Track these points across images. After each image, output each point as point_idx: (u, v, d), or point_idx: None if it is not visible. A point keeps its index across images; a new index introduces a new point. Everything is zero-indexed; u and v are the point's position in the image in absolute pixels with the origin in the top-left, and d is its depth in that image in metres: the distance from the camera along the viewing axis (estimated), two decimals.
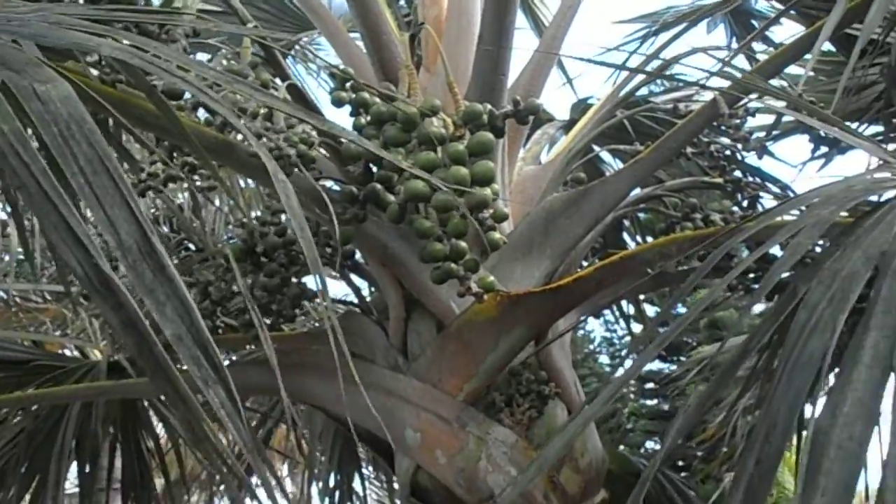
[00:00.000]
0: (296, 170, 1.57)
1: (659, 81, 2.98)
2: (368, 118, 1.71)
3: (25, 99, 0.86)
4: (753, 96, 2.04)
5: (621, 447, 12.07)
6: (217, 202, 3.12)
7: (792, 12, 3.15)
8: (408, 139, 1.57)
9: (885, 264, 0.92)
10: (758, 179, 2.46)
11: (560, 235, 2.11)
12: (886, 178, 1.15)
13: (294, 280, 2.25)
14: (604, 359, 17.61)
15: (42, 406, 2.80)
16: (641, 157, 2.09)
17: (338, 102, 1.82)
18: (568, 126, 3.37)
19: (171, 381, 0.79)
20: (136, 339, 0.78)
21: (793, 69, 2.84)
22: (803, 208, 1.12)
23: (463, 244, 1.58)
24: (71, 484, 3.44)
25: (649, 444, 14.20)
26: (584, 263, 2.55)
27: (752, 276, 2.09)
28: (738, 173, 2.34)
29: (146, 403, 3.18)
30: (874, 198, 1.20)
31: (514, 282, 2.04)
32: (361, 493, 4.04)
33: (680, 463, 8.77)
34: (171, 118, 1.20)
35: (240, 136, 1.59)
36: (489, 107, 1.74)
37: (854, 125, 3.08)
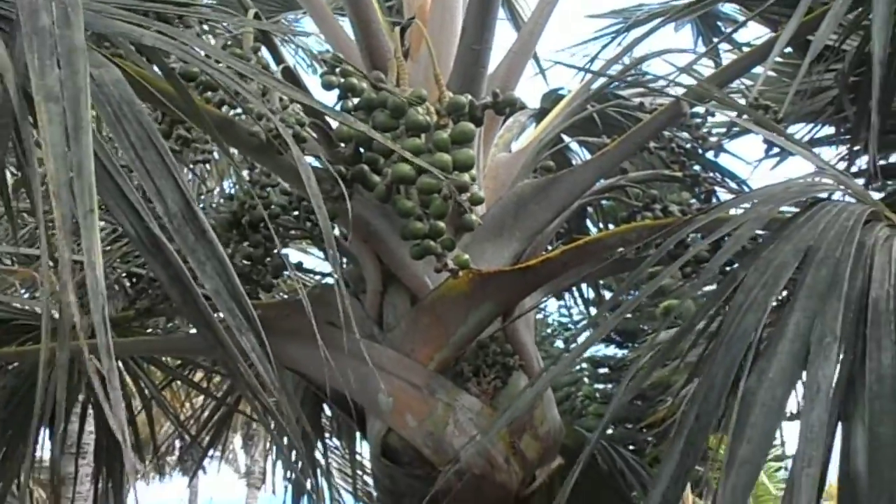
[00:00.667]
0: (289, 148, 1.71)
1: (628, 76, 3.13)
2: (357, 102, 1.84)
3: (77, 50, 0.97)
4: (713, 100, 2.20)
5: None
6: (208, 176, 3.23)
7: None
8: (396, 125, 1.71)
9: (810, 256, 1.08)
10: (715, 174, 2.63)
11: (529, 219, 2.26)
12: (819, 182, 1.31)
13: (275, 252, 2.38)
14: (559, 343, 17.89)
15: (24, 364, 2.90)
16: (608, 150, 2.25)
17: (328, 86, 1.95)
18: (539, 115, 3.51)
19: (210, 328, 0.92)
20: (182, 292, 0.91)
21: (760, 69, 3.02)
22: (748, 204, 1.28)
23: (441, 224, 1.72)
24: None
25: None
26: (549, 247, 2.72)
27: (704, 265, 2.26)
28: (697, 168, 2.50)
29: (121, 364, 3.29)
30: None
31: (485, 261, 2.19)
32: (323, 463, 4.18)
33: (631, 447, 9.02)
34: (186, 99, 1.33)
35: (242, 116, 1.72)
36: (470, 97, 1.89)
37: (809, 126, 3.27)
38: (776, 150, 2.35)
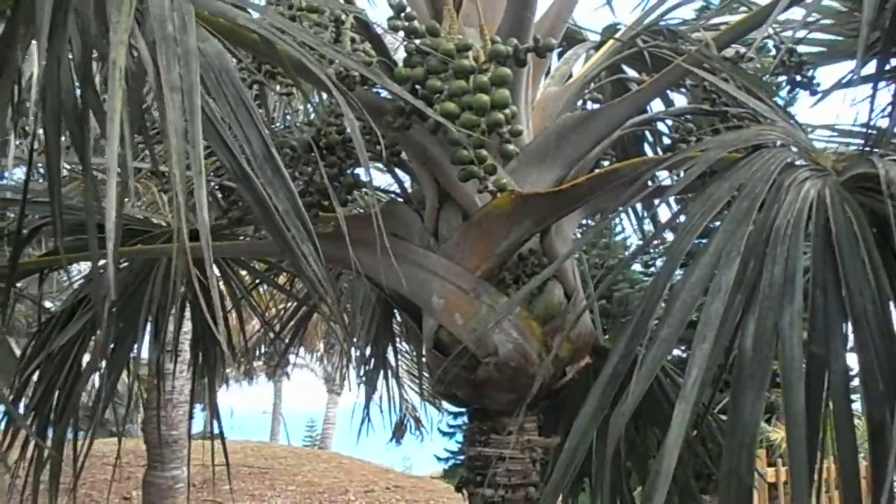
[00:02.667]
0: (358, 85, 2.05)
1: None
2: (415, 46, 2.16)
3: (158, 22, 1.32)
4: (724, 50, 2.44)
5: None
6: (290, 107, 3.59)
7: None
8: (445, 68, 2.03)
9: (740, 192, 1.38)
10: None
11: (570, 148, 2.56)
12: (765, 131, 1.59)
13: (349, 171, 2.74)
14: (637, 266, 18.13)
15: (135, 261, 3.35)
16: (643, 87, 2.53)
17: (394, 29, 2.28)
18: (598, 47, 3.77)
19: (283, 238, 1.28)
20: (263, 210, 1.27)
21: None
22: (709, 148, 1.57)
23: (484, 152, 2.05)
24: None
25: None
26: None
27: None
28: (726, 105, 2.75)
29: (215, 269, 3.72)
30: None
31: (529, 184, 2.50)
32: (393, 364, 4.60)
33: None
34: (270, 47, 1.67)
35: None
36: (515, 41, 2.20)
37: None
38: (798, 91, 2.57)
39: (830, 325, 1.31)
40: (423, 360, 4.69)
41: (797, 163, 1.49)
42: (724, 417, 2.58)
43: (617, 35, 3.17)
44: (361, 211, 3.52)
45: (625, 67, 3.62)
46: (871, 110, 2.72)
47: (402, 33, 2.26)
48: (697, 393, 1.22)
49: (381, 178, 3.56)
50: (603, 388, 1.35)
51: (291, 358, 14.78)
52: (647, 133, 3.50)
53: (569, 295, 2.58)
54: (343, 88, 1.73)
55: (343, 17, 2.20)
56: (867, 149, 1.64)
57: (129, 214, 3.52)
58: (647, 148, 4.00)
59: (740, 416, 1.22)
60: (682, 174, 1.67)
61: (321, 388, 20.84)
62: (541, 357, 2.45)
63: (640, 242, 5.65)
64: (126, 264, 3.40)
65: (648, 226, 4.33)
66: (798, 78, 2.65)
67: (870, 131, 2.63)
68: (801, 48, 3.07)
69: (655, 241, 4.85)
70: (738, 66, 2.40)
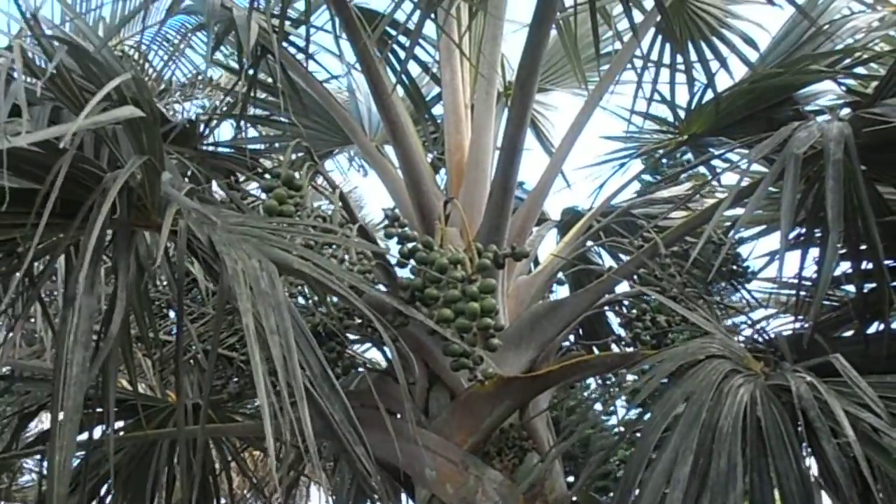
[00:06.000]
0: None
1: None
2: (413, 256, 2.55)
3: (254, 280, 1.69)
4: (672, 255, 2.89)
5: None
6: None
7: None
8: (440, 278, 2.41)
9: (690, 399, 1.77)
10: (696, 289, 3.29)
11: (542, 333, 2.94)
12: (707, 344, 2.00)
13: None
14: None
15: (139, 439, 3.61)
16: (603, 279, 2.94)
17: (389, 236, 2.68)
18: (560, 227, 4.24)
19: (341, 442, 1.61)
20: (322, 420, 1.60)
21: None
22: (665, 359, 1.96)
23: (474, 347, 2.42)
24: None
25: None
26: (566, 342, 3.42)
27: None
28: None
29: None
30: None
31: (507, 365, 2.87)
32: None
33: None
34: (304, 276, 2.04)
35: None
36: (494, 248, 2.61)
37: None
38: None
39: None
40: None
41: (732, 369, 1.88)
42: None
43: (580, 222, 3.61)
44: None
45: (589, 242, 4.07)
46: (801, 268, 3.17)
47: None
48: None
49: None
50: None
51: None
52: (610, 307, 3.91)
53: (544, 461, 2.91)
54: (356, 297, 2.10)
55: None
56: (785, 364, 2.04)
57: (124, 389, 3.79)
58: (610, 316, 4.41)
59: None
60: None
61: None
62: None
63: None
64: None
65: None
66: (734, 268, 3.09)
67: (802, 282, 3.08)
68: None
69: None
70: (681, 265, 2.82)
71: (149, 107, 1.66)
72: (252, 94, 3.66)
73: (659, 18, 3.31)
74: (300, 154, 3.35)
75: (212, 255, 1.81)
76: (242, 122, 3.71)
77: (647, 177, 5.46)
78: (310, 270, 1.74)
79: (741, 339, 3.38)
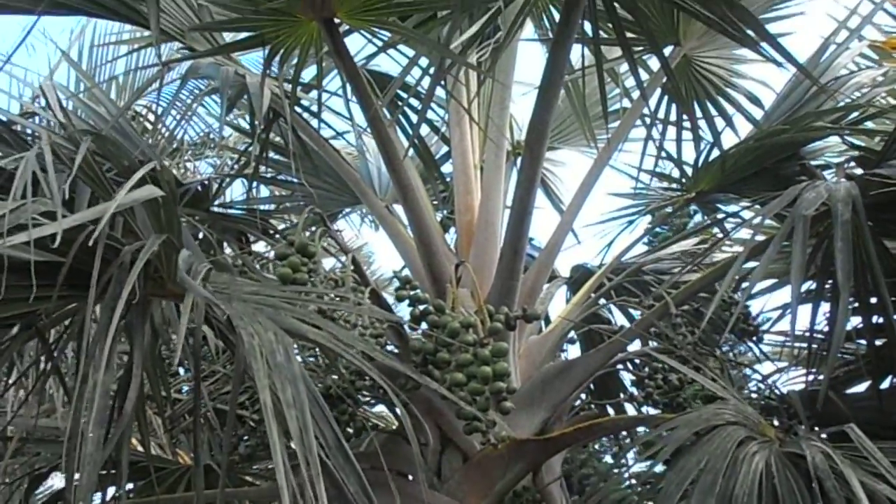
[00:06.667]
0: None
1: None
2: (426, 319, 2.56)
3: (270, 354, 1.70)
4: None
5: None
6: None
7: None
8: (452, 343, 2.42)
9: (705, 466, 1.76)
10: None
11: (553, 393, 2.94)
12: (721, 411, 2.00)
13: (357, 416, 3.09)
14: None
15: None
16: (613, 340, 2.95)
17: (400, 299, 2.70)
18: (569, 284, 4.25)
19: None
20: (336, 489, 1.60)
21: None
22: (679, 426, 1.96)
23: (486, 411, 2.42)
24: None
25: None
26: (579, 400, 3.42)
27: None
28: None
29: None
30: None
31: (520, 427, 2.86)
32: None
33: None
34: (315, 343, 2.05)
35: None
36: (505, 310, 2.62)
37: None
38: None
39: None
40: None
41: (747, 436, 1.88)
42: None
43: (590, 281, 3.62)
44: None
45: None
46: (813, 323, 3.18)
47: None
48: None
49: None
50: None
51: None
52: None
53: None
54: (369, 366, 2.11)
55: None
56: (799, 432, 2.04)
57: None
58: (622, 375, 4.40)
59: None
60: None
61: None
62: None
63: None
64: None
65: None
66: (746, 326, 3.10)
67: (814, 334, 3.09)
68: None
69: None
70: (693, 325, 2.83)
71: (168, 186, 1.69)
72: (264, 154, 3.71)
73: (665, 79, 3.35)
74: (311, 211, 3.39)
75: (227, 325, 1.83)
76: (253, 183, 3.76)
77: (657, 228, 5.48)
78: (324, 340, 1.76)
79: (754, 394, 3.39)
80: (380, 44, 2.92)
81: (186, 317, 1.57)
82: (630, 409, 3.54)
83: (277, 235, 3.73)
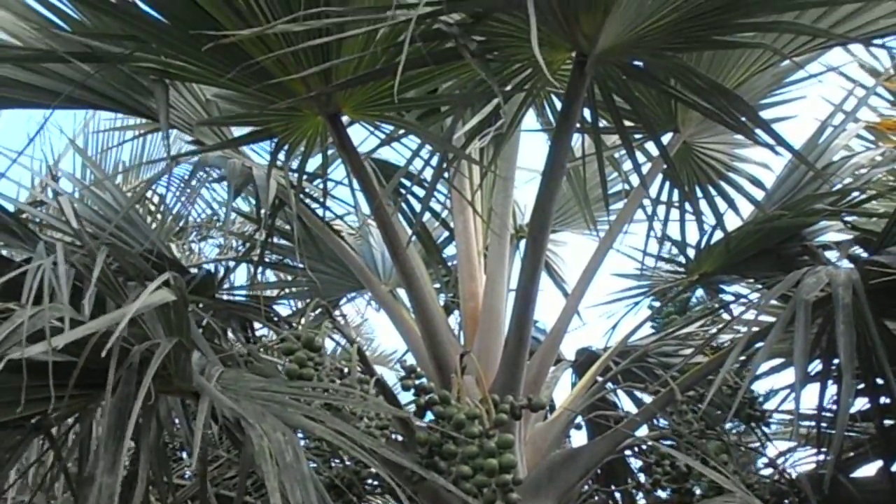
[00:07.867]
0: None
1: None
2: (430, 404, 2.56)
3: (279, 454, 1.70)
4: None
5: None
6: None
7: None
8: (457, 436, 2.42)
9: None
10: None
11: (560, 481, 2.92)
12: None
13: None
14: None
15: None
16: (619, 426, 2.94)
17: (405, 388, 2.71)
18: (574, 367, 4.24)
19: None
20: None
21: None
22: None
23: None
24: None
25: None
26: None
27: None
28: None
29: None
30: None
31: None
32: None
33: None
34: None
35: None
36: (511, 399, 2.62)
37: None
38: None
39: None
40: None
41: None
42: None
43: (595, 365, 3.61)
44: None
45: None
46: (821, 404, 3.17)
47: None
48: None
49: None
50: None
51: None
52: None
53: None
54: (375, 462, 2.10)
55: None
56: None
57: None
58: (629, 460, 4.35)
59: None
60: None
61: None
62: None
63: None
64: None
65: None
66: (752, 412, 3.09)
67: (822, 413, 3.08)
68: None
69: None
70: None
71: (180, 293, 1.72)
72: (269, 240, 3.75)
73: (666, 166, 3.40)
74: (315, 302, 3.42)
75: (234, 423, 1.84)
76: (258, 269, 3.79)
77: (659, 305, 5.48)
78: (331, 437, 1.77)
79: (763, 476, 3.36)
80: (382, 136, 2.98)
81: (202, 421, 1.58)
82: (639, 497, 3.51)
83: (281, 322, 3.75)
